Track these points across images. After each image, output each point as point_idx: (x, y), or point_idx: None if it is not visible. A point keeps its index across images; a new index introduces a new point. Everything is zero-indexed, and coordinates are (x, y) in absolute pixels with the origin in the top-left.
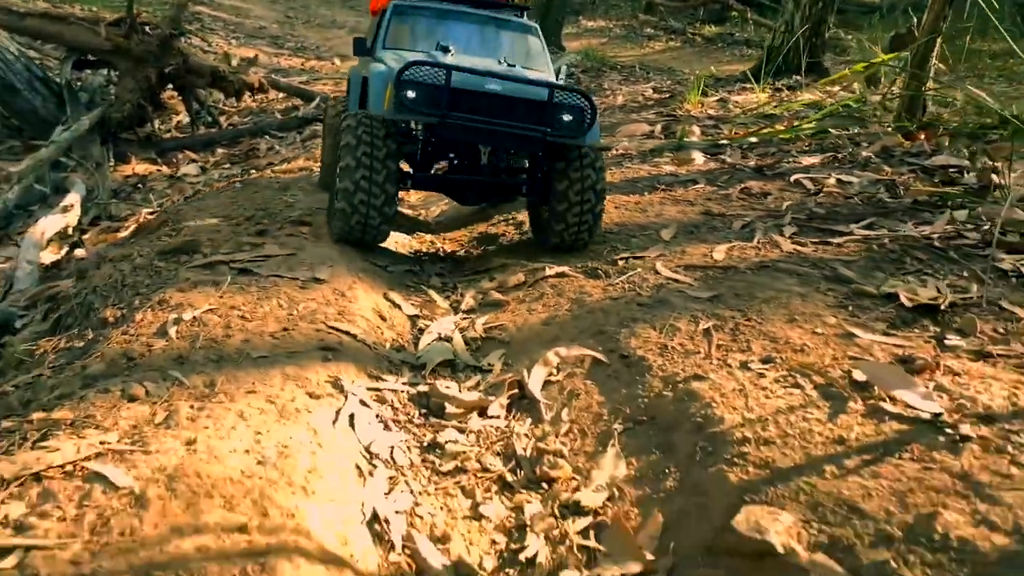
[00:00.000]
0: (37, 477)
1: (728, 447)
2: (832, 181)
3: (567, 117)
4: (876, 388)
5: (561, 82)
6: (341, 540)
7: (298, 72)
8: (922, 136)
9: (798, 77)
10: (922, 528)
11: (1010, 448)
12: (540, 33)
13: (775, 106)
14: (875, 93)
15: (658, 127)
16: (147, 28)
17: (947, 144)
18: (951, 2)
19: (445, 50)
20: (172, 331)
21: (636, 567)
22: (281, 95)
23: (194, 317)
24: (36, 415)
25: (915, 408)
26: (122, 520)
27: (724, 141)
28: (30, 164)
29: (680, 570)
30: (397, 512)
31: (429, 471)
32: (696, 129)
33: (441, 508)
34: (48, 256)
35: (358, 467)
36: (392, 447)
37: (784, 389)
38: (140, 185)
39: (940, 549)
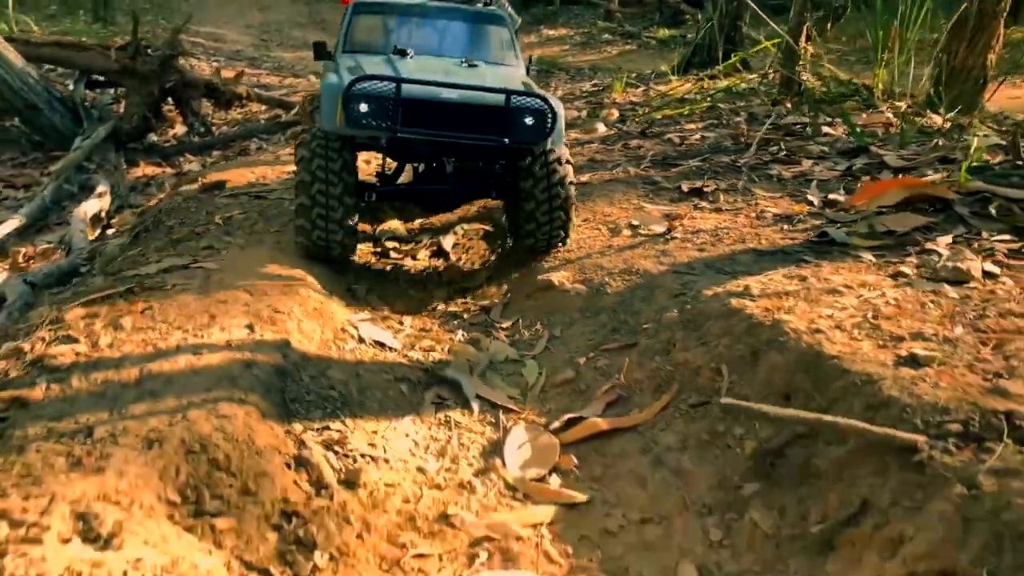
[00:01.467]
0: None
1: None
2: (696, 137)
3: (528, 121)
4: (640, 226)
5: (529, 76)
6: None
7: (277, 88)
8: (788, 104)
9: (717, 68)
10: (628, 268)
11: (694, 241)
12: (511, 23)
13: (693, 93)
14: (760, 74)
15: (584, 112)
16: (149, 50)
17: (804, 109)
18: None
19: (403, 53)
20: (217, 219)
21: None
22: (263, 107)
23: (229, 216)
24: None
25: (655, 231)
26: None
27: (628, 117)
28: (64, 164)
29: (513, 301)
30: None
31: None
32: (615, 111)
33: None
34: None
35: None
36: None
37: (589, 230)
38: (151, 182)
39: (634, 274)
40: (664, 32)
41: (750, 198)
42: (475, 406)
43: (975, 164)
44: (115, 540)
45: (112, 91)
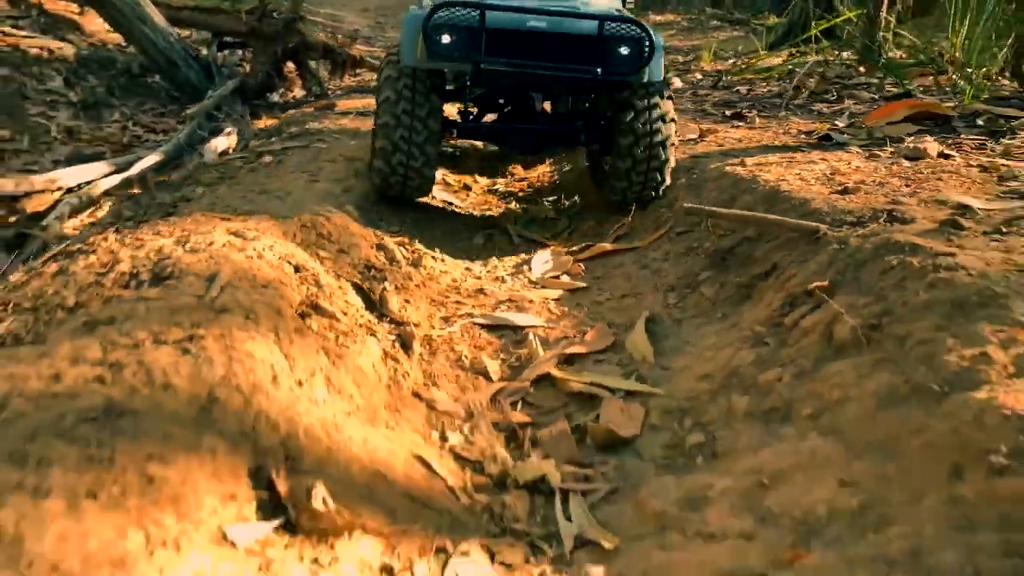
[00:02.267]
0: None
1: None
2: (763, 89)
3: (623, 50)
4: (678, 134)
5: (620, 8)
6: None
7: None
8: (862, 68)
9: (804, 40)
10: None
11: (720, 143)
12: None
13: (780, 64)
14: (836, 45)
15: (672, 76)
16: (275, 14)
17: (876, 74)
18: None
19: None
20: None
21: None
22: (374, 76)
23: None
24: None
25: (688, 137)
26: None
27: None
28: (198, 109)
29: (560, 183)
30: None
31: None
32: (698, 75)
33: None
34: None
35: None
36: None
37: None
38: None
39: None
40: (772, 19)
41: (784, 122)
42: (515, 239)
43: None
44: (255, 238)
45: (240, 53)
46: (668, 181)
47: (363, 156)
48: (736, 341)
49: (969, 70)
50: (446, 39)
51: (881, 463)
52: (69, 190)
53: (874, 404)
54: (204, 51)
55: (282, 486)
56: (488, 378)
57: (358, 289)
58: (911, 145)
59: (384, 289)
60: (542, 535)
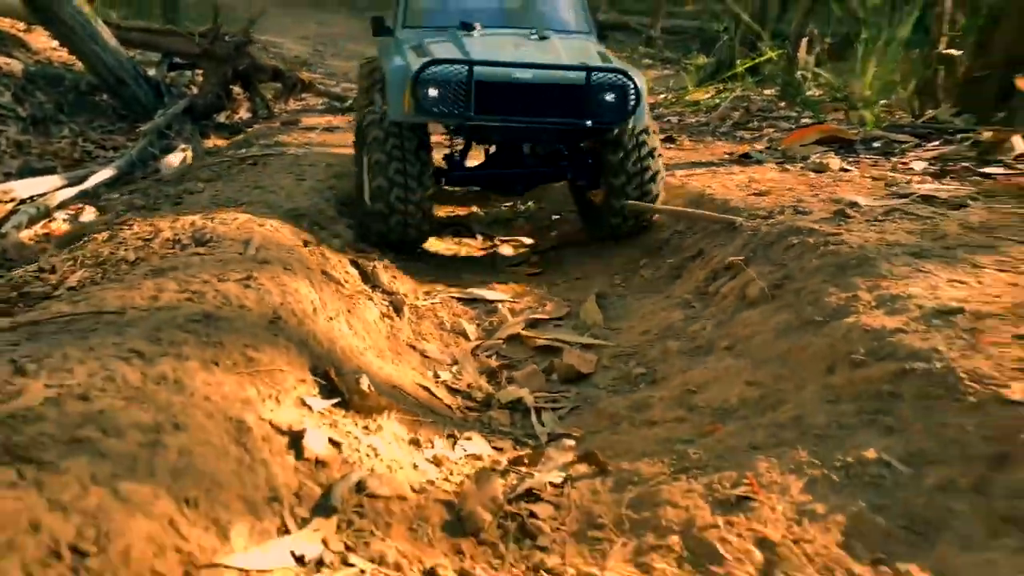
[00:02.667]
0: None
1: None
2: (691, 120)
3: (609, 98)
4: None
5: (601, 50)
6: None
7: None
8: (782, 104)
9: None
10: None
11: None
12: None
13: (707, 98)
14: (758, 82)
15: None
16: (226, 36)
17: (795, 108)
18: (808, 12)
19: (469, 28)
20: (295, 137)
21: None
22: (319, 101)
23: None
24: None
25: None
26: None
27: None
28: (150, 126)
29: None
30: None
31: None
32: None
33: None
34: None
35: None
36: None
37: None
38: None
39: None
40: (702, 59)
41: (710, 145)
42: (479, 236)
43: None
44: (270, 217)
45: (189, 74)
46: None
47: (339, 162)
48: (670, 307)
49: (872, 104)
50: (434, 93)
51: (777, 369)
52: (22, 201)
53: (774, 334)
54: (153, 71)
55: (336, 376)
56: (467, 337)
57: (354, 264)
58: (817, 160)
59: (374, 267)
60: (523, 435)
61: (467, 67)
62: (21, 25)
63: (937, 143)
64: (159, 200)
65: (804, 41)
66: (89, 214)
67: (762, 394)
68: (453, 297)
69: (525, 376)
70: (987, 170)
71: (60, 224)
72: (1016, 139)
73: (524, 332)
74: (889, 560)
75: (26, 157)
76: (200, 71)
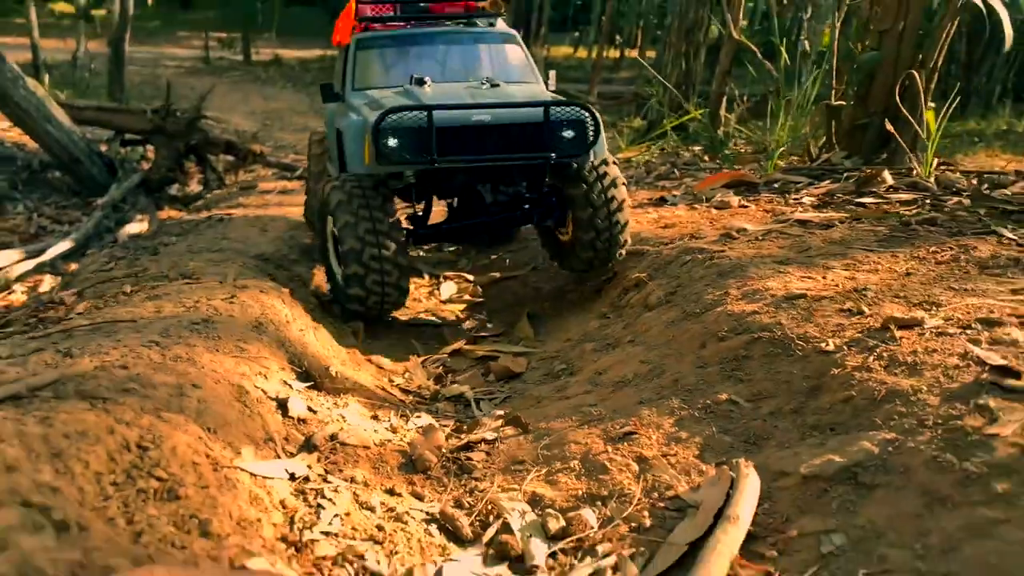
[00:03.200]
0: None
1: None
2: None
3: (568, 134)
4: None
5: (552, 91)
6: None
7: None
8: (707, 158)
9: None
10: None
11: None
12: (520, 39)
13: (639, 156)
14: (687, 140)
15: None
16: (178, 112)
17: (717, 160)
18: (727, 74)
19: (420, 82)
20: (253, 200)
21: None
22: (269, 172)
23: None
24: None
25: None
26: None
27: None
28: (106, 200)
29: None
30: None
31: None
32: None
33: None
34: None
35: None
36: None
37: None
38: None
39: None
40: (638, 122)
41: (632, 192)
42: (426, 275)
43: (785, 166)
44: (237, 261)
45: (141, 149)
46: (628, 242)
47: (296, 217)
48: (589, 319)
49: (774, 152)
50: (393, 143)
51: (664, 351)
52: None
53: (664, 326)
54: (105, 147)
55: (309, 367)
56: (417, 353)
57: (315, 295)
58: (719, 199)
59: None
60: (464, 417)
61: (426, 113)
62: None
63: (828, 182)
64: (137, 252)
65: (723, 100)
66: (47, 284)
67: (651, 368)
68: (403, 322)
69: (467, 377)
70: (861, 200)
71: (19, 296)
72: (886, 174)
73: (465, 347)
74: (728, 460)
75: None
76: (152, 147)
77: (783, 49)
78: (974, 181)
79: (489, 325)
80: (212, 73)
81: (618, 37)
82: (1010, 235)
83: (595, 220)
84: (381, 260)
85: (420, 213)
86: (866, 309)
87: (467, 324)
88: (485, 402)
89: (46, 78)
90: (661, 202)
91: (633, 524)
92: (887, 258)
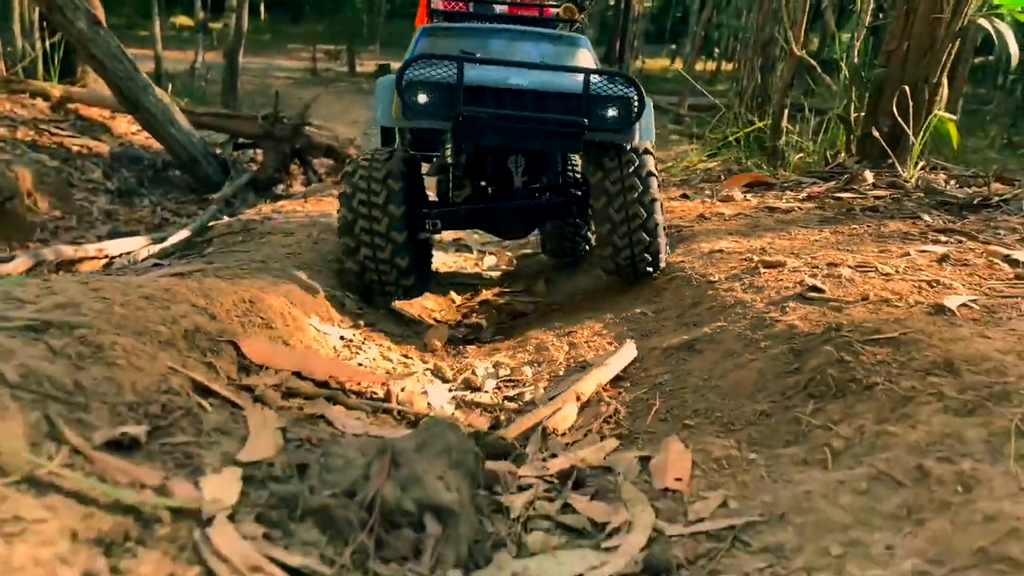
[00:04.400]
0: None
1: None
2: (675, 179)
3: (610, 110)
4: None
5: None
6: None
7: None
8: (764, 166)
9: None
10: None
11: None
12: (589, 44)
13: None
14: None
15: None
16: (285, 119)
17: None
18: (790, 85)
19: (470, 55)
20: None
21: None
22: None
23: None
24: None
25: None
26: None
27: None
28: (220, 195)
29: None
30: None
31: None
32: None
33: None
34: None
35: None
36: None
37: None
38: None
39: None
40: (720, 132)
41: (669, 189)
42: (475, 250)
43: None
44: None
45: (251, 152)
46: (664, 252)
47: None
48: (589, 279)
49: (788, 155)
50: (423, 99)
51: (616, 290)
52: (113, 257)
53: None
54: (220, 150)
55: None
56: (453, 301)
57: None
58: (726, 194)
59: None
60: (472, 340)
61: (456, 66)
62: (107, 113)
63: (832, 182)
64: (249, 223)
65: (785, 112)
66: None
67: (610, 303)
68: (447, 277)
69: (486, 315)
70: (839, 194)
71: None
72: (867, 174)
73: (492, 298)
74: (621, 341)
75: (114, 223)
76: (261, 149)
77: (843, 64)
78: (952, 182)
79: (513, 286)
80: (319, 84)
81: (716, 50)
82: (927, 219)
83: (617, 223)
84: (372, 233)
85: (450, 195)
86: (755, 258)
87: (498, 285)
88: (490, 328)
89: (168, 87)
90: (683, 198)
91: (552, 373)
92: (812, 232)
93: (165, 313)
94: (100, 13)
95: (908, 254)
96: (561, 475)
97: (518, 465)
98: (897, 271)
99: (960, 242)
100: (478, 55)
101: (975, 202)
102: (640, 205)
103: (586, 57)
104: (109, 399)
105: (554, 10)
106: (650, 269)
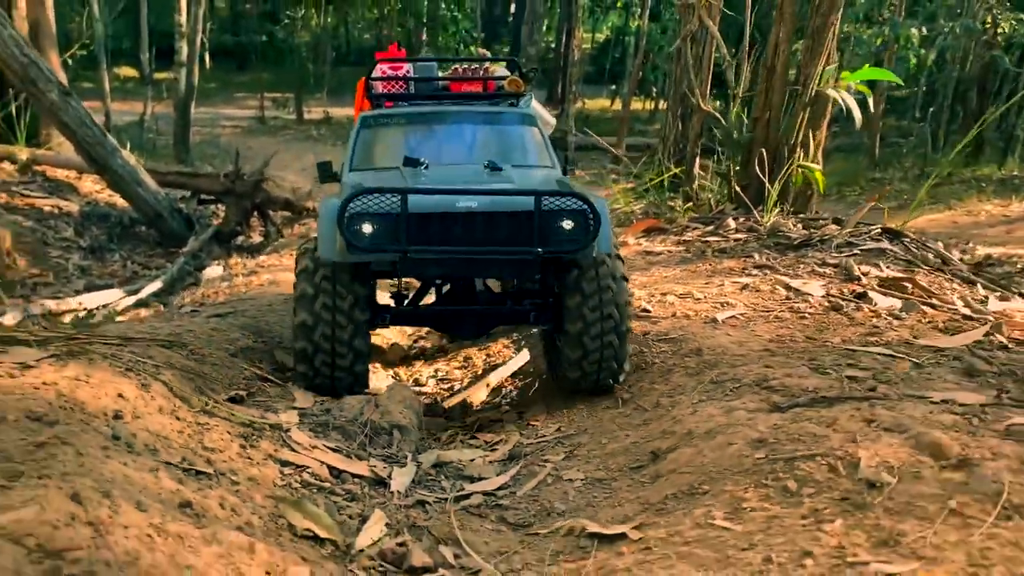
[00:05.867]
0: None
1: None
2: None
3: (566, 225)
4: None
5: (562, 179)
6: None
7: None
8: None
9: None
10: None
11: None
12: (537, 122)
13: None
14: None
15: None
16: (245, 176)
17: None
18: (700, 136)
19: (415, 164)
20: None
21: None
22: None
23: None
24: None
25: None
26: None
27: None
28: (190, 248)
29: None
30: None
31: None
32: None
33: None
34: None
35: None
36: None
37: None
38: None
39: None
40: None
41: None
42: None
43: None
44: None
45: (213, 207)
46: (627, 367)
47: None
48: None
49: (687, 204)
50: (367, 230)
51: None
52: (92, 310)
53: None
54: (183, 205)
55: None
56: (405, 330)
57: None
58: (621, 240)
59: None
60: (419, 356)
61: (400, 197)
62: (73, 174)
63: (709, 227)
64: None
65: (696, 160)
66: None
67: (513, 328)
68: None
69: (428, 340)
70: (708, 238)
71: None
72: (729, 220)
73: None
74: (519, 350)
75: (89, 277)
76: (223, 204)
77: (716, 131)
78: (798, 225)
79: None
80: (267, 132)
81: (653, 89)
82: (756, 257)
83: (584, 340)
84: (333, 340)
85: (405, 292)
86: None
87: None
88: (435, 348)
89: (119, 140)
90: None
91: (474, 373)
92: (668, 270)
93: (227, 337)
94: (62, 76)
95: (722, 284)
96: (472, 424)
97: (447, 421)
98: (706, 296)
99: (765, 274)
100: (423, 158)
101: (799, 243)
102: (615, 335)
103: (536, 138)
104: (221, 380)
105: (498, 84)
106: (614, 373)
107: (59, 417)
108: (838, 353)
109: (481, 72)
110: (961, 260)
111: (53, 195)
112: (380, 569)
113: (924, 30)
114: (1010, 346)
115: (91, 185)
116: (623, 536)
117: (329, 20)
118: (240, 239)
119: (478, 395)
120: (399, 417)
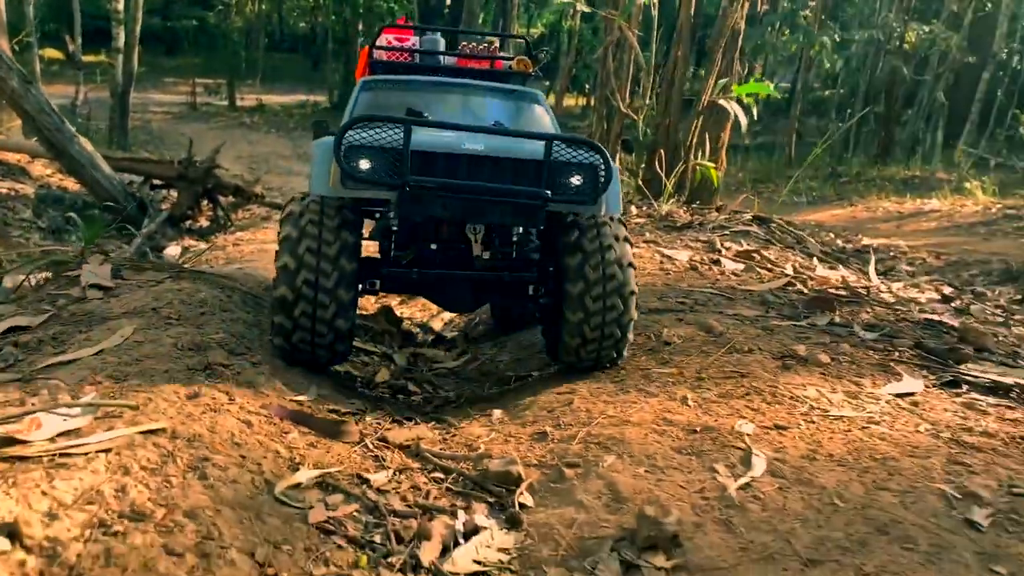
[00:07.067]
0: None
1: None
2: None
3: (575, 179)
4: None
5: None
6: None
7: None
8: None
9: None
10: None
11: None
12: (545, 101)
13: None
14: None
15: None
16: (197, 162)
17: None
18: (619, 135)
19: (418, 115)
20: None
21: None
22: (265, 211)
23: None
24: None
25: None
26: None
27: None
28: (145, 231)
29: None
30: None
31: None
32: None
33: None
34: None
35: None
36: None
37: None
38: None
39: None
40: None
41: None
42: None
43: None
44: None
45: (164, 192)
46: (630, 338)
47: None
48: None
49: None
50: (365, 165)
51: None
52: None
53: None
54: (136, 190)
55: None
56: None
57: None
58: None
59: None
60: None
61: (403, 128)
62: (24, 158)
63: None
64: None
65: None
66: None
67: None
68: None
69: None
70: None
71: None
72: (632, 208)
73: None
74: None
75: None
76: (175, 190)
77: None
78: (687, 213)
79: None
80: (199, 119)
81: (586, 86)
82: (647, 235)
83: (584, 302)
84: (316, 288)
85: (396, 252)
86: None
87: None
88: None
89: None
90: None
91: (431, 314)
92: None
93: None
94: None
95: None
96: (438, 339)
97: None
98: None
99: (649, 247)
100: (426, 114)
101: (681, 225)
102: (618, 297)
103: (543, 116)
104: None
105: (506, 63)
106: (614, 353)
107: None
108: (680, 291)
109: (488, 51)
110: (844, 247)
111: (7, 178)
112: (388, 392)
113: (838, 38)
114: (805, 291)
115: (42, 169)
116: (530, 375)
117: (263, 6)
118: (189, 223)
119: (435, 324)
120: (389, 327)
